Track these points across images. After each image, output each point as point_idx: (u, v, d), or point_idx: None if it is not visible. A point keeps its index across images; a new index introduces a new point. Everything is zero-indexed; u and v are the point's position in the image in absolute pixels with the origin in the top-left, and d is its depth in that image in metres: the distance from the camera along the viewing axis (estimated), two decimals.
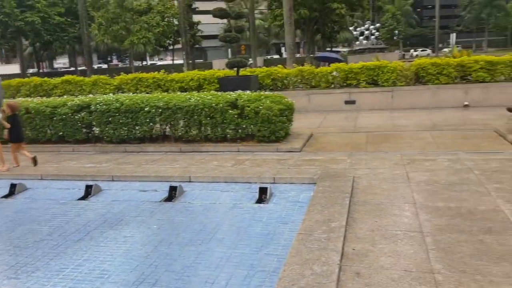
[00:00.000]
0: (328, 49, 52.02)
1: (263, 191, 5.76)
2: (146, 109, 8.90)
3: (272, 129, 8.44)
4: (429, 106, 12.27)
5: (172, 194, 6.07)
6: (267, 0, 40.19)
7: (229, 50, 47.08)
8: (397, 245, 3.88)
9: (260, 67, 19.40)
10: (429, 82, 12.68)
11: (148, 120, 8.96)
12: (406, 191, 5.36)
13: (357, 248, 3.87)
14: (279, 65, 15.25)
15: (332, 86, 13.72)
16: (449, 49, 31.46)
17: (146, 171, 7.16)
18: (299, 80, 14.14)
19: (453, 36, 50.54)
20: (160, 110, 8.86)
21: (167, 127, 9.23)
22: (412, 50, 70.01)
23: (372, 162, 6.88)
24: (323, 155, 7.60)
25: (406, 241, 3.97)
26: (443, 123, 9.93)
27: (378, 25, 62.94)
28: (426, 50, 66.80)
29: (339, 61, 18.20)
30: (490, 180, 5.55)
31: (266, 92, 9.47)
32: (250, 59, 46.49)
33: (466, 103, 12.07)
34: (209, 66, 42.45)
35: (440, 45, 56.57)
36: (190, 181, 6.60)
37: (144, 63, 67.11)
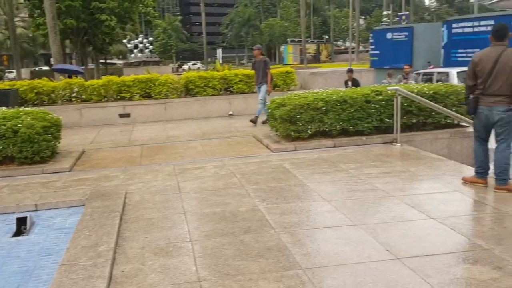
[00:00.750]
0: (102, 61, 50.21)
1: (21, 221, 5.08)
2: None
3: (35, 149, 7.58)
4: (199, 116, 13.05)
5: None
6: (28, 7, 36.05)
7: None
8: (166, 259, 3.91)
9: (25, 79, 17.39)
10: (198, 94, 13.48)
11: None
12: (177, 202, 5.49)
13: (126, 269, 3.75)
14: (44, 78, 13.97)
15: (105, 99, 13.25)
16: (213, 63, 34.27)
17: None
18: (68, 94, 13.21)
19: (219, 51, 55.35)
20: None
21: None
22: (190, 63, 73.80)
23: (146, 176, 6.86)
24: (95, 173, 7.22)
25: (175, 253, 4.04)
26: (211, 132, 10.66)
27: (151, 38, 64.02)
28: (196, 64, 71.20)
29: (80, 73, 17.71)
30: (249, 182, 6.16)
31: (27, 108, 8.51)
32: (13, 71, 41.10)
33: (230, 112, 13.26)
34: None
35: (210, 59, 61.01)
36: None
37: None
